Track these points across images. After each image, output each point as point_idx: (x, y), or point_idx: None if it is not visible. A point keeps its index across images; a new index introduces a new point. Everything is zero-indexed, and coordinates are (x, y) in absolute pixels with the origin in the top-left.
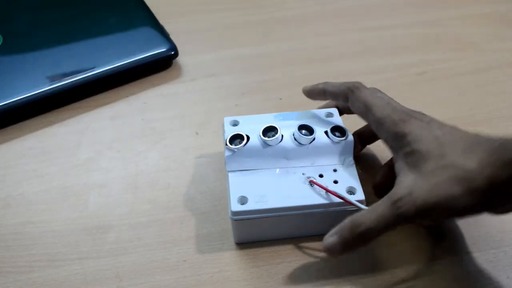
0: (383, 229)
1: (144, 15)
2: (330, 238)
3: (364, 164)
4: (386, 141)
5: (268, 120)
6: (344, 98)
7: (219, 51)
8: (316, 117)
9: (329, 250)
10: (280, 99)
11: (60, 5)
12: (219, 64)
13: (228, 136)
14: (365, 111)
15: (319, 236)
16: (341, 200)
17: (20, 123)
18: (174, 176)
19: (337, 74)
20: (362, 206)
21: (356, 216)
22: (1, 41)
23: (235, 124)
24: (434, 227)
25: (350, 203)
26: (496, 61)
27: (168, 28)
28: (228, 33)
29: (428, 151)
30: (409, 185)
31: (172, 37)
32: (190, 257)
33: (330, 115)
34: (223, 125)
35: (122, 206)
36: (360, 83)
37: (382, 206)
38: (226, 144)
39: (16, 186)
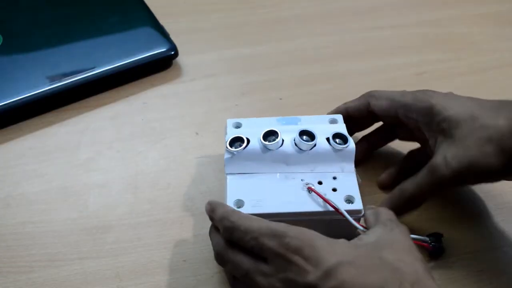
0: (424, 195)
1: (144, 15)
2: (383, 204)
3: (365, 171)
4: (417, 121)
5: (271, 123)
6: (366, 106)
7: (219, 51)
8: (319, 123)
9: None
10: (280, 99)
11: (60, 5)
12: (219, 64)
13: (229, 138)
14: (390, 103)
15: None
16: None
17: (20, 123)
18: (174, 176)
19: (337, 74)
20: (353, 222)
21: (401, 185)
22: (1, 41)
23: (237, 126)
24: (431, 247)
25: (343, 216)
26: (496, 61)
27: (168, 28)
28: (228, 33)
29: (458, 115)
30: (444, 151)
31: (172, 37)
32: (190, 257)
33: (334, 121)
34: (225, 127)
35: (122, 206)
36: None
37: (421, 174)
38: (227, 147)
39: (16, 186)
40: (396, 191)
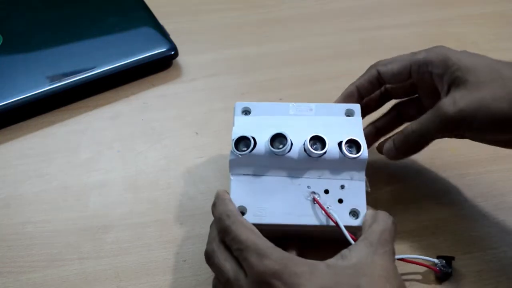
0: (428, 134)
1: (144, 15)
2: (387, 143)
3: (373, 179)
4: (431, 73)
5: (282, 110)
6: (375, 76)
7: (219, 51)
8: (333, 114)
9: (387, 153)
10: (280, 99)
11: (60, 5)
12: (219, 64)
13: (235, 138)
14: (402, 64)
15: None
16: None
17: (20, 123)
18: (174, 176)
19: (337, 74)
20: (352, 242)
21: (407, 125)
22: (1, 41)
23: (246, 111)
24: (439, 270)
25: (343, 233)
26: None
27: (168, 28)
28: (228, 33)
29: (475, 65)
30: (454, 95)
31: (172, 37)
32: (190, 257)
33: (350, 112)
34: (233, 110)
35: (122, 206)
36: None
37: (426, 114)
38: (232, 148)
39: (16, 186)
40: (401, 131)
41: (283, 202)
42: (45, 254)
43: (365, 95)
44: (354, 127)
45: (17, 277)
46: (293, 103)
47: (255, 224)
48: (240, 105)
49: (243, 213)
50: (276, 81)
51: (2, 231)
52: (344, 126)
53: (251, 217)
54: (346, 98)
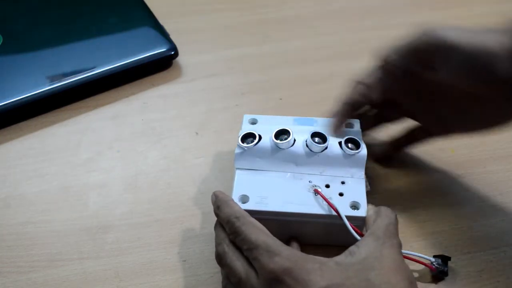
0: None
1: (144, 15)
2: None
3: (375, 180)
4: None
5: (287, 122)
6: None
7: (219, 51)
8: None
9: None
10: (280, 99)
11: (60, 5)
12: (219, 64)
13: (242, 134)
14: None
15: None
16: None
17: (20, 123)
18: (174, 176)
19: (337, 74)
20: (352, 231)
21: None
22: (1, 41)
23: (253, 122)
24: (435, 268)
25: (343, 221)
26: None
27: (168, 28)
28: (228, 33)
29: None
30: None
31: (172, 37)
32: (190, 257)
33: (350, 125)
34: (242, 122)
35: (122, 206)
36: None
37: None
38: (238, 142)
39: (16, 186)
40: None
41: (285, 193)
42: (45, 254)
43: (358, 109)
44: (354, 132)
45: (17, 277)
46: (296, 117)
47: (256, 212)
48: (247, 117)
49: (244, 202)
50: (276, 81)
51: (2, 231)
52: (344, 132)
53: (253, 205)
54: (342, 114)
